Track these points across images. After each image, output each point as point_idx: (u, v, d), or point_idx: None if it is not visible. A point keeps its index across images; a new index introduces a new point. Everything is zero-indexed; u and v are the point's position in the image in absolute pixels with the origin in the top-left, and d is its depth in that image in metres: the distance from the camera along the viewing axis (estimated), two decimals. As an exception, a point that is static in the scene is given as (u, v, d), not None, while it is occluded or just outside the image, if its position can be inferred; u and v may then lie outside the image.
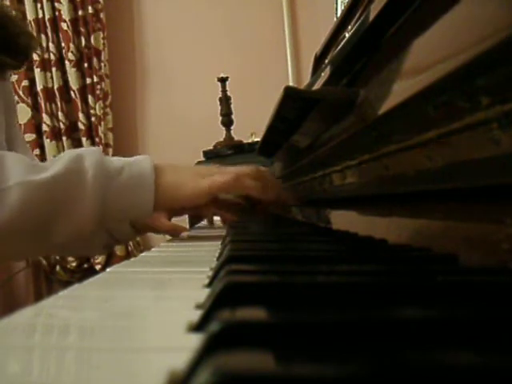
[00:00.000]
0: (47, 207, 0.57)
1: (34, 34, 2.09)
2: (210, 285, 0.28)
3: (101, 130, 2.12)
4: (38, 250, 0.62)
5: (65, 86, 2.15)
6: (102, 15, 2.14)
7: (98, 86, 2.12)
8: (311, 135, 0.52)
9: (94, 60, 2.12)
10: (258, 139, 1.12)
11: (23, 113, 2.13)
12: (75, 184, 0.58)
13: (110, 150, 2.14)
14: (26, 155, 0.81)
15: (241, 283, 0.20)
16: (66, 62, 2.12)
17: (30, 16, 2.11)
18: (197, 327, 0.18)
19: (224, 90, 1.76)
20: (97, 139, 2.13)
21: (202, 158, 1.75)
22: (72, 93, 2.13)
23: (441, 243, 0.29)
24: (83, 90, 2.14)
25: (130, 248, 2.12)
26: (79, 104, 2.13)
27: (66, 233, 0.59)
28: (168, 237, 0.75)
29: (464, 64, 0.20)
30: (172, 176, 0.63)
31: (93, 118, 2.13)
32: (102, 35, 2.13)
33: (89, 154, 0.61)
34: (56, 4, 2.13)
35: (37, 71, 2.13)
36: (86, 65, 2.12)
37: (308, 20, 2.07)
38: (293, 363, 0.13)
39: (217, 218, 0.87)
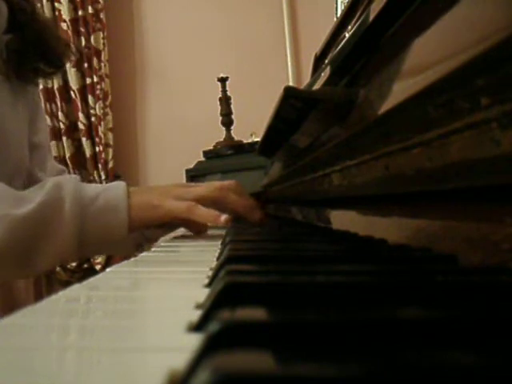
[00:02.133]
0: (29, 238, 0.61)
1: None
2: (209, 285, 0.28)
3: (101, 130, 2.12)
4: (20, 275, 0.67)
5: (65, 86, 2.15)
6: (102, 15, 2.14)
7: (98, 86, 2.12)
8: (311, 135, 0.52)
9: (94, 60, 2.12)
10: (258, 139, 1.12)
11: (23, 113, 2.13)
12: (54, 213, 0.61)
13: (110, 150, 2.14)
14: (52, 164, 0.84)
15: (240, 283, 0.20)
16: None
17: (30, 16, 2.11)
18: (196, 327, 0.18)
19: (224, 90, 1.76)
20: (97, 139, 2.13)
21: (202, 158, 1.75)
22: (72, 93, 2.13)
23: (441, 243, 0.29)
24: (83, 90, 2.14)
25: (129, 248, 2.12)
26: (79, 104, 2.13)
27: (47, 260, 0.62)
28: (168, 237, 0.76)
29: (464, 64, 0.20)
30: (144, 197, 0.67)
31: (93, 118, 2.13)
32: (102, 35, 2.13)
33: (67, 182, 0.64)
34: (56, 4, 2.13)
35: (37, 71, 2.13)
36: (86, 65, 2.13)
37: (308, 20, 2.07)
38: (292, 363, 0.13)
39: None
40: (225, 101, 1.76)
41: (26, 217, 0.60)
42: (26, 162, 0.77)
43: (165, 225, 0.73)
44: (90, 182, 2.01)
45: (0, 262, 0.60)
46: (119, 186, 0.67)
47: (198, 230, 0.73)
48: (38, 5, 2.08)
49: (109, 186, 0.67)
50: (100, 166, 2.13)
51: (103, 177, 2.13)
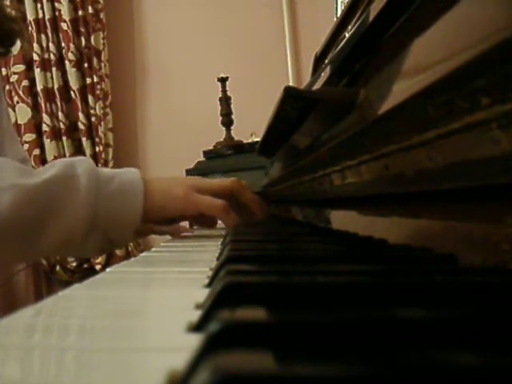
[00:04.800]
0: (38, 210, 0.58)
1: (33, 33, 2.09)
2: (209, 285, 0.28)
3: (101, 130, 2.12)
4: (26, 254, 0.63)
5: (65, 86, 2.15)
6: (102, 15, 2.14)
7: (98, 86, 2.12)
8: (311, 135, 0.52)
9: (94, 60, 2.12)
10: (258, 139, 1.12)
11: (23, 113, 2.13)
12: (68, 189, 0.59)
13: (110, 150, 2.14)
14: (15, 149, 0.81)
15: (240, 283, 0.20)
16: (66, 62, 2.12)
17: (29, 16, 2.11)
18: (196, 327, 0.18)
19: (224, 90, 1.76)
20: (97, 139, 2.13)
21: (202, 158, 1.75)
22: (72, 93, 2.13)
23: (441, 243, 0.29)
24: (83, 90, 2.14)
25: (129, 248, 2.12)
26: (79, 104, 2.13)
27: (56, 236, 0.59)
28: (168, 237, 0.76)
29: (464, 64, 0.20)
30: (159, 184, 0.66)
31: (93, 118, 2.13)
32: (102, 35, 2.13)
33: (81, 161, 0.62)
34: (56, 4, 2.13)
35: (37, 71, 2.13)
36: (86, 65, 2.12)
37: (308, 20, 2.07)
38: (293, 363, 0.13)
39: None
40: (225, 101, 1.76)
41: (35, 188, 0.57)
42: None
43: (176, 220, 0.72)
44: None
45: (5, 236, 0.57)
46: (134, 171, 0.65)
47: (210, 225, 0.73)
48: (39, 5, 2.09)
49: (124, 170, 0.65)
50: (100, 166, 2.13)
51: (103, 177, 2.12)
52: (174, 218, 0.68)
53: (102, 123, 2.12)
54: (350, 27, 0.60)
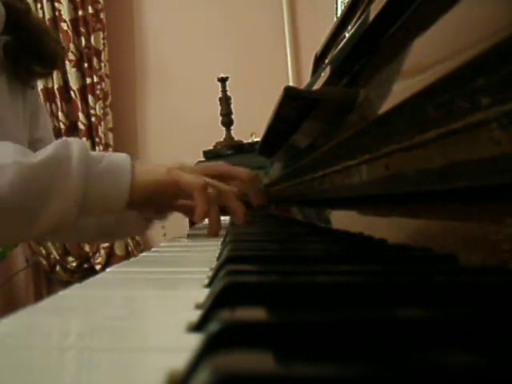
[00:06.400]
0: (36, 189, 0.60)
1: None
2: (209, 285, 0.28)
3: (101, 130, 2.12)
4: (23, 233, 0.64)
5: (65, 86, 2.15)
6: (102, 15, 2.14)
7: (98, 86, 2.12)
8: (311, 135, 0.52)
9: (94, 60, 2.12)
10: (258, 139, 1.12)
11: (23, 113, 2.13)
12: (61, 168, 0.61)
13: (110, 150, 2.14)
14: None
15: (240, 283, 0.20)
16: (66, 62, 2.12)
17: (30, 16, 2.12)
18: (196, 327, 0.18)
19: (224, 90, 1.76)
20: (97, 139, 2.13)
21: (202, 158, 1.75)
22: (72, 93, 2.13)
23: (441, 243, 0.29)
24: (83, 90, 2.14)
25: (129, 248, 2.12)
26: (79, 104, 2.13)
27: (49, 217, 0.61)
28: (168, 237, 0.76)
29: (464, 64, 0.20)
30: (146, 166, 0.69)
31: (93, 118, 2.13)
32: (102, 35, 2.13)
33: (73, 141, 0.64)
34: (56, 4, 2.13)
35: (37, 71, 2.13)
36: (86, 65, 2.13)
37: (308, 20, 2.07)
38: (293, 363, 0.13)
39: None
40: (225, 101, 1.76)
41: (34, 166, 0.59)
42: None
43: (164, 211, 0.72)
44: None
45: (3, 213, 0.58)
46: (123, 155, 0.68)
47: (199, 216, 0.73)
48: (39, 5, 2.09)
49: (114, 154, 0.68)
50: (100, 166, 2.13)
51: (103, 177, 2.12)
52: (159, 197, 0.68)
53: (102, 123, 2.12)
54: (350, 27, 0.60)
